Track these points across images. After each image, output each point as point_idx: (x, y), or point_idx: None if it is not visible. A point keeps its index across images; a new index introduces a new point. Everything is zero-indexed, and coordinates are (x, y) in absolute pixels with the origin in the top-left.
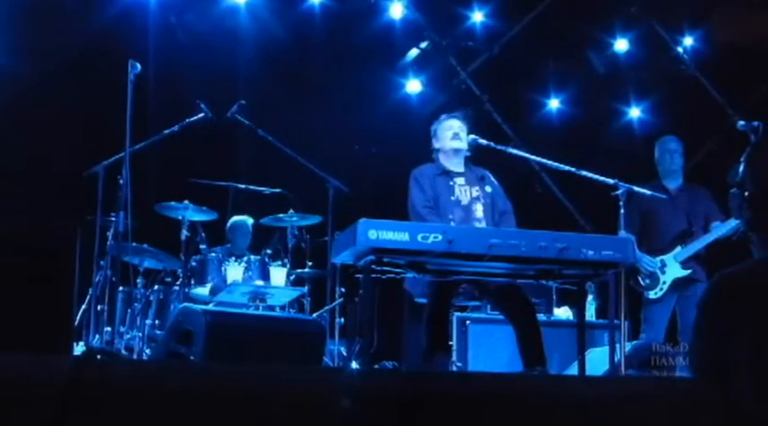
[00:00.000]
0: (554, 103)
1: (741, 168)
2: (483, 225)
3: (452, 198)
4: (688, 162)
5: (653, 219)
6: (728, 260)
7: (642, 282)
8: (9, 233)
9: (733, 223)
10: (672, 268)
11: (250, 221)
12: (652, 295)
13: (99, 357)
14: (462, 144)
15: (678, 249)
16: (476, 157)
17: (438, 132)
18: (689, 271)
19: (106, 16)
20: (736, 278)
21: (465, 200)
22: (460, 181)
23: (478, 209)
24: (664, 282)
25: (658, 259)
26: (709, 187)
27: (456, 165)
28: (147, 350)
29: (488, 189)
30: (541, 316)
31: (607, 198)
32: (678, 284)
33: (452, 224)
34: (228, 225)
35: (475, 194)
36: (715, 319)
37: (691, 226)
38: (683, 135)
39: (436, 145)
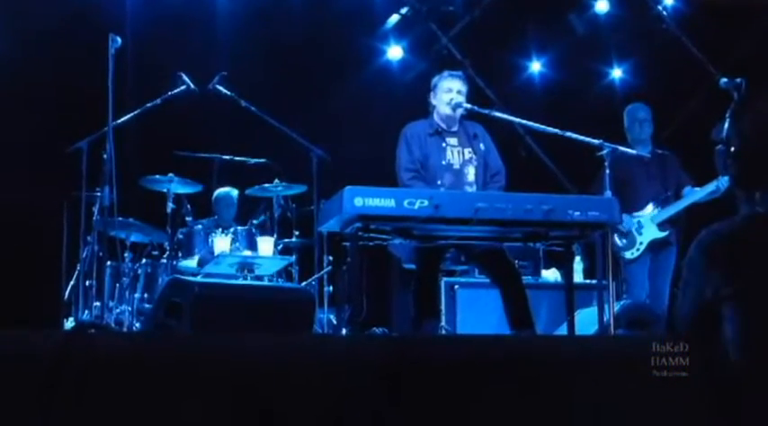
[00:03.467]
0: (536, 66)
1: (725, 125)
2: (474, 189)
3: (443, 162)
4: (671, 121)
5: (628, 184)
6: (709, 221)
7: (619, 242)
8: None
9: (710, 187)
10: (648, 229)
11: (234, 192)
12: (629, 255)
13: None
14: (459, 111)
15: (656, 211)
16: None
17: (438, 89)
18: (665, 233)
19: None
20: (721, 233)
21: (457, 164)
22: (453, 141)
23: (470, 173)
24: (641, 243)
25: (635, 219)
26: (693, 145)
27: (450, 124)
28: (137, 324)
29: (482, 146)
30: (529, 278)
31: (592, 159)
32: (654, 245)
33: (442, 189)
34: (213, 197)
35: (467, 156)
36: (699, 274)
37: (665, 191)
38: (665, 94)
39: (433, 100)
